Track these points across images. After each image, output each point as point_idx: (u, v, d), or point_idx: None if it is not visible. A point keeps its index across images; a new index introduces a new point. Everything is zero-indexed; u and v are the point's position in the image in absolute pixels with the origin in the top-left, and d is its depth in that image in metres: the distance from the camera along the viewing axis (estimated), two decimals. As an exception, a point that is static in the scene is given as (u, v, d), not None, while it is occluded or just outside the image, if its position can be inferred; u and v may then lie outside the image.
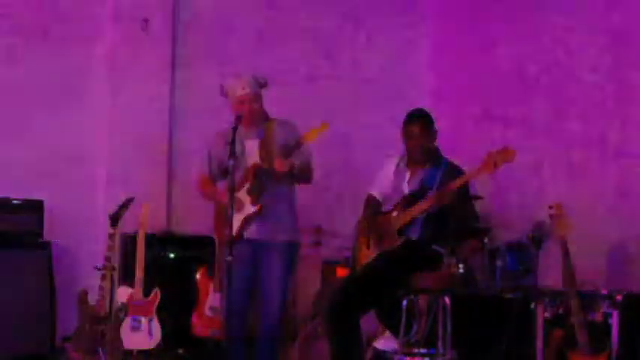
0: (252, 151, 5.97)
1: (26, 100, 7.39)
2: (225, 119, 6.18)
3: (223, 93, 6.05)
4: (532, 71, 7.62)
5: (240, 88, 5.94)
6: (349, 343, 5.61)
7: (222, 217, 5.99)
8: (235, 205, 5.75)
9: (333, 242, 7.39)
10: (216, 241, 6.23)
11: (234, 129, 5.69)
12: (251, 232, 5.91)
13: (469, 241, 6.87)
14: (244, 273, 5.84)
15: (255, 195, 5.90)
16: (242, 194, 5.90)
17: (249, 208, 5.89)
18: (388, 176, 5.99)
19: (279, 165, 5.78)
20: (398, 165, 5.96)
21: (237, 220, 5.79)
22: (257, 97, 6.00)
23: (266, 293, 5.94)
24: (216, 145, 6.08)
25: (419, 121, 5.83)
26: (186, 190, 6.72)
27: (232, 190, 5.59)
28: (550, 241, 6.06)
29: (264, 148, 5.96)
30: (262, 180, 5.89)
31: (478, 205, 6.96)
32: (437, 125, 5.94)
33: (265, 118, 6.08)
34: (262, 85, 6.03)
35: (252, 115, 5.95)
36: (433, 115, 6.00)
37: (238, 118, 5.81)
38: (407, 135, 5.85)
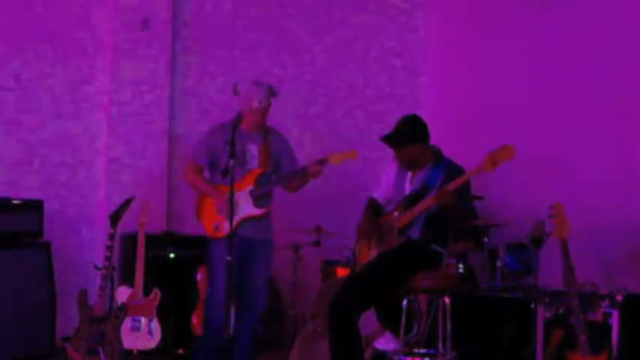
0: (253, 155, 6.18)
1: (26, 100, 7.39)
2: (226, 119, 6.36)
3: (236, 92, 6.18)
4: (533, 70, 7.63)
5: (257, 101, 6.14)
6: (349, 342, 5.61)
7: (205, 207, 6.26)
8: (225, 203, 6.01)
9: (333, 242, 7.38)
10: (206, 233, 6.36)
11: (234, 129, 5.83)
12: (245, 228, 6.08)
13: (464, 240, 6.89)
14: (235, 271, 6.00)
15: (260, 198, 6.15)
16: (241, 195, 6.08)
17: (252, 209, 6.11)
18: (390, 179, 6.00)
19: (315, 168, 6.12)
20: (400, 166, 5.96)
21: (235, 217, 5.96)
22: (268, 109, 6.21)
23: (252, 291, 6.16)
24: (214, 137, 6.30)
25: (393, 143, 5.80)
26: (186, 190, 6.72)
27: (232, 189, 5.71)
28: (550, 241, 6.05)
29: (265, 155, 6.18)
30: (265, 185, 6.14)
31: (478, 205, 6.98)
32: (427, 129, 5.87)
33: (265, 125, 6.29)
34: (274, 95, 6.23)
35: (260, 124, 6.19)
36: (425, 118, 5.95)
37: (239, 119, 5.98)
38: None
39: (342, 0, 8.44)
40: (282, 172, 6.32)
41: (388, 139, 5.81)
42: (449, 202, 5.55)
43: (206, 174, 6.45)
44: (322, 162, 6.13)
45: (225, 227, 6.07)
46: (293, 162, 6.38)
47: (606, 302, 5.79)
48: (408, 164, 5.83)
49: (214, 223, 6.24)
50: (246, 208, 6.11)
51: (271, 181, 6.26)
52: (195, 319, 6.85)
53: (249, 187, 6.15)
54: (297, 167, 6.33)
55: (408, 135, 5.77)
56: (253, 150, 6.20)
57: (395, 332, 5.90)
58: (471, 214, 5.87)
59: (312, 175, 6.20)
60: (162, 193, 7.62)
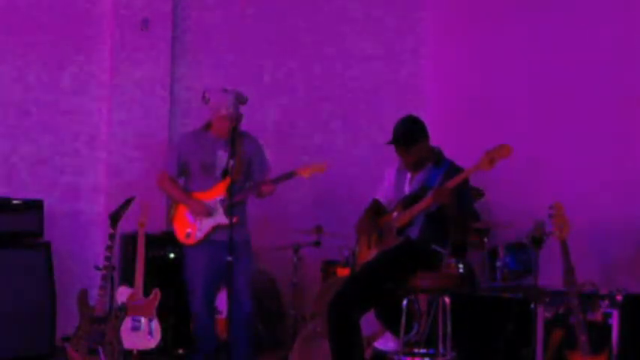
0: (222, 161, 6.20)
1: (26, 100, 7.39)
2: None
3: (205, 101, 6.29)
4: (533, 70, 7.64)
5: (224, 108, 6.20)
6: (349, 343, 5.60)
7: (177, 214, 6.36)
8: (204, 209, 6.19)
9: (333, 242, 7.38)
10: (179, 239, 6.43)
11: (234, 130, 5.99)
12: (217, 233, 6.15)
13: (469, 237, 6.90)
14: (214, 273, 6.21)
15: (231, 207, 6.17)
16: (212, 203, 6.22)
17: (222, 218, 6.16)
18: (390, 180, 6.00)
19: (267, 189, 6.23)
20: (400, 166, 5.96)
21: (206, 225, 6.22)
22: (237, 117, 6.23)
23: (236, 292, 6.15)
24: (184, 145, 6.45)
25: (400, 146, 5.79)
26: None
27: (232, 188, 5.84)
28: (550, 241, 6.05)
29: (236, 164, 6.15)
30: (236, 194, 6.15)
31: (478, 204, 6.99)
32: (427, 130, 5.88)
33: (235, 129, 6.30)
34: (243, 102, 6.27)
35: (228, 131, 6.17)
36: (426, 118, 5.96)
37: (238, 120, 6.11)
38: (396, 152, 5.86)
39: (342, 2, 8.44)
40: (253, 176, 6.38)
41: (397, 142, 5.79)
42: (447, 201, 5.55)
43: (182, 181, 6.51)
44: (291, 176, 6.23)
45: (196, 235, 6.27)
46: (263, 166, 6.43)
47: (606, 302, 5.79)
48: (415, 164, 5.81)
49: (185, 230, 6.33)
50: (217, 216, 6.18)
51: (238, 191, 6.23)
52: (196, 319, 6.85)
53: (220, 197, 6.19)
54: (267, 171, 6.40)
55: (416, 134, 5.77)
56: (223, 157, 6.21)
57: (395, 332, 5.90)
58: (472, 214, 5.86)
59: (265, 194, 6.29)
60: (162, 193, 7.60)
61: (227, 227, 6.02)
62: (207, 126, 6.34)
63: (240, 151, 6.22)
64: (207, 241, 6.24)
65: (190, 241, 6.30)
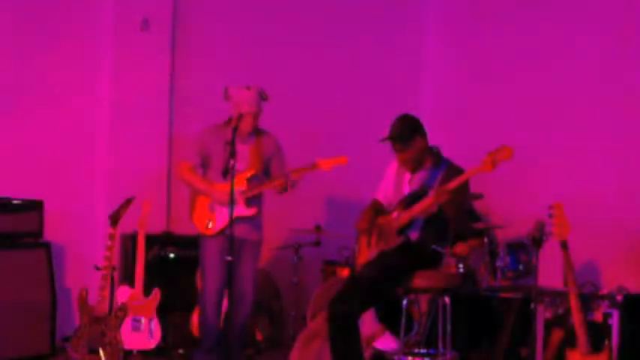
0: (243, 155, 6.25)
1: (26, 99, 7.39)
2: (224, 119, 6.44)
3: (226, 97, 6.34)
4: (533, 70, 7.63)
5: (247, 105, 6.26)
6: (349, 342, 5.61)
7: (197, 205, 6.40)
8: (227, 197, 6.09)
9: (333, 242, 7.39)
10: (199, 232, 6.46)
11: (235, 129, 6.01)
12: (236, 226, 6.12)
13: (468, 239, 6.89)
14: (221, 268, 6.20)
15: (250, 199, 6.29)
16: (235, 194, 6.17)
17: (242, 209, 6.21)
18: (390, 180, 6.00)
19: (290, 180, 6.26)
20: (399, 167, 5.96)
21: (225, 216, 6.14)
22: (259, 113, 6.34)
23: (240, 290, 6.21)
24: (207, 137, 6.46)
25: (396, 144, 5.80)
26: (187, 191, 6.72)
27: (232, 188, 5.83)
28: (550, 241, 6.05)
29: (256, 156, 6.31)
30: (255, 186, 6.27)
31: (478, 205, 6.98)
32: (425, 130, 5.89)
33: (256, 126, 6.40)
34: (266, 99, 6.36)
35: (250, 128, 6.31)
36: (425, 118, 5.97)
37: (239, 120, 6.17)
38: (393, 150, 5.87)
39: (342, 1, 8.44)
40: (271, 175, 6.42)
41: (393, 139, 5.78)
42: (447, 202, 5.55)
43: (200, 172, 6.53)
44: (312, 168, 6.26)
45: (216, 225, 6.29)
46: (282, 165, 6.46)
47: (606, 302, 5.79)
48: (412, 163, 5.81)
49: (206, 221, 6.35)
50: (237, 208, 6.17)
51: (261, 184, 6.34)
52: (196, 319, 6.85)
53: (241, 188, 6.22)
54: (285, 171, 6.43)
55: (411, 131, 5.77)
56: (243, 151, 6.26)
57: (395, 332, 5.90)
58: (471, 214, 5.87)
59: (290, 185, 6.32)
60: (162, 193, 7.62)
61: (246, 220, 6.14)
62: (229, 121, 6.34)
63: (259, 146, 6.32)
64: (224, 233, 6.21)
65: (210, 232, 6.33)
